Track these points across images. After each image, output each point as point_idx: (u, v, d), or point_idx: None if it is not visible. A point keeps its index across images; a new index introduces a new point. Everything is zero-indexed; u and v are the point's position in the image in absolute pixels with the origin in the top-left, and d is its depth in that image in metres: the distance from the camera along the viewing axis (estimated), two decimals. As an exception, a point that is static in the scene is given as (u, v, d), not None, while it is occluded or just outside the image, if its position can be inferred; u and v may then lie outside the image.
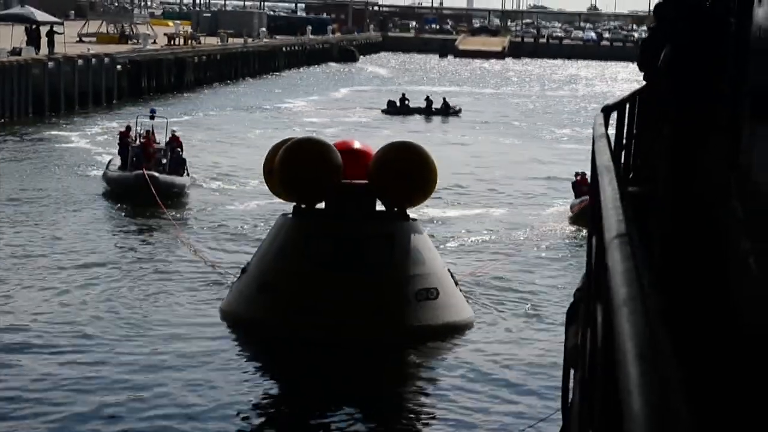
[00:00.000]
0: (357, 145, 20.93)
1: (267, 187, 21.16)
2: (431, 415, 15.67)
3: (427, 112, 58.66)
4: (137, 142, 31.79)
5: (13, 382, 15.75)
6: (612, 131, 8.00)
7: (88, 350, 17.41)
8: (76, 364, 16.72)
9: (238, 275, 19.99)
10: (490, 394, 16.17)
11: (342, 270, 18.36)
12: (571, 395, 6.63)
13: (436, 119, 57.69)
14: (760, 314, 4.43)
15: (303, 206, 19.52)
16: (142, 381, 16.05)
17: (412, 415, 15.85)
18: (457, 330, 19.01)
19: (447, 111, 58.84)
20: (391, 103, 59.52)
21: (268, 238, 19.87)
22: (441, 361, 18.14)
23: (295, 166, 19.03)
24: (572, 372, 6.67)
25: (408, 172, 19.17)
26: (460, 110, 59.64)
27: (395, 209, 19.55)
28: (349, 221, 18.94)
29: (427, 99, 59.08)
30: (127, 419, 14.71)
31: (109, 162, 32.92)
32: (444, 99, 59.76)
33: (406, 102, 59.18)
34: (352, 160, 19.68)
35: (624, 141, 8.83)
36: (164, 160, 31.42)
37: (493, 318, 20.16)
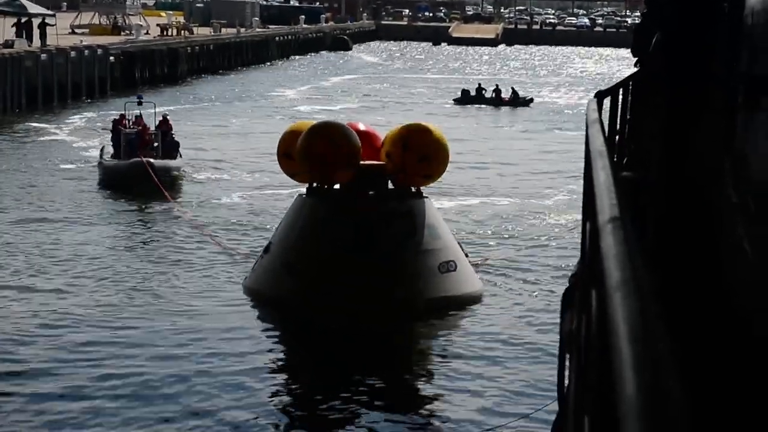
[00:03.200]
0: (362, 127, 21.75)
1: (280, 169, 21.84)
2: (430, 398, 15.86)
3: (497, 102, 58.12)
4: (131, 128, 32.00)
5: (33, 370, 15.94)
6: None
7: (110, 333, 17.80)
8: (96, 348, 17.02)
9: (261, 254, 20.72)
10: (490, 378, 16.32)
11: (369, 246, 19.05)
12: (567, 381, 6.63)
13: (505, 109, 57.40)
14: (754, 297, 4.43)
15: (317, 186, 20.29)
16: (161, 362, 16.44)
17: (412, 396, 16.03)
18: (473, 300, 20.12)
19: (516, 101, 58.42)
20: (465, 93, 59.22)
21: (288, 217, 20.57)
22: (445, 341, 18.64)
23: (322, 147, 19.71)
24: (568, 358, 6.68)
25: (424, 152, 20.08)
26: (531, 100, 59.22)
27: (409, 188, 20.47)
28: (371, 199, 19.95)
29: (496, 89, 58.72)
30: (149, 394, 15.10)
31: (102, 149, 33.09)
32: (512, 89, 59.39)
33: (483, 92, 58.66)
34: (362, 142, 20.48)
35: (618, 126, 8.83)
36: (155, 144, 31.68)
37: (498, 298, 20.78)
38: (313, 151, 19.76)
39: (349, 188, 20.13)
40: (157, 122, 32.76)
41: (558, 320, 8.10)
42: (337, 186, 20.35)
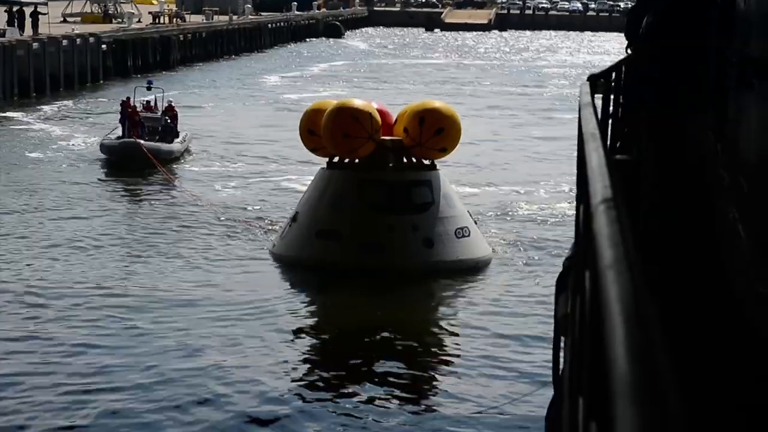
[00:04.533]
0: (375, 105, 23.04)
1: (302, 144, 23.37)
2: (428, 376, 16.13)
3: None
4: (143, 113, 33.50)
5: (55, 348, 16.19)
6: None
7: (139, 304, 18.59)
8: (123, 319, 17.66)
9: (288, 222, 22.18)
10: (489, 358, 16.44)
11: (396, 211, 20.96)
12: (561, 364, 6.65)
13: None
14: (746, 279, 4.45)
15: (338, 161, 21.90)
16: (189, 327, 17.33)
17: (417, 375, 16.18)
18: (484, 264, 21.65)
19: None
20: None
21: (316, 188, 22.04)
22: (451, 313, 19.40)
23: (347, 123, 21.29)
24: (563, 341, 6.69)
25: (440, 126, 21.65)
26: None
27: (424, 161, 22.01)
28: (393, 170, 21.56)
29: None
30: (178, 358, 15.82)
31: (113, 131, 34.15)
32: None
33: None
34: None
35: (611, 109, 8.83)
36: (158, 127, 32.99)
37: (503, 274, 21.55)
38: (338, 127, 21.25)
39: (369, 161, 21.60)
40: (164, 107, 34.25)
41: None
42: (356, 160, 21.89)
